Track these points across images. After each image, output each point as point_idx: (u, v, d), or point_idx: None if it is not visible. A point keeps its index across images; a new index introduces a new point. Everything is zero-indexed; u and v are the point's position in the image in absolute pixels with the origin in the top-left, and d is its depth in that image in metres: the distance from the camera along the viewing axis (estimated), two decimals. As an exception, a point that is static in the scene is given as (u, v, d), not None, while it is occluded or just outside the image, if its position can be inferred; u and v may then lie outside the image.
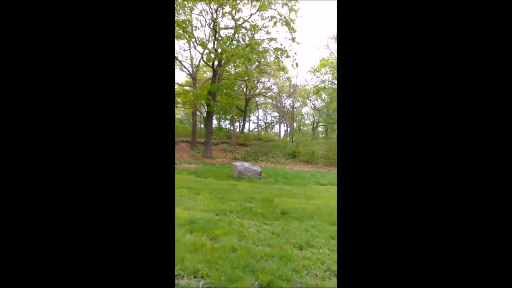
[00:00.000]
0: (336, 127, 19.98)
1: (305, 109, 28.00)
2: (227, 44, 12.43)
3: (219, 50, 13.22)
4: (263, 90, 24.94)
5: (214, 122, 20.96)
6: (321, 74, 19.50)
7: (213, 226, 3.44)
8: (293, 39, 13.15)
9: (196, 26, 13.58)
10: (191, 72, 17.63)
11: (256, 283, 2.13)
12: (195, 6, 12.97)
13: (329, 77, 19.21)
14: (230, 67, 15.94)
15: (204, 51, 14.13)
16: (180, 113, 25.51)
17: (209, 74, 19.79)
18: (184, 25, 12.27)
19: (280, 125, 28.55)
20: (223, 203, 4.99)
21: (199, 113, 21.08)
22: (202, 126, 22.30)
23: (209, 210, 4.40)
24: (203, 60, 15.25)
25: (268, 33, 13.60)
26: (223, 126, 26.25)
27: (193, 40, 14.23)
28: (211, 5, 13.24)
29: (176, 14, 12.63)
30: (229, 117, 23.76)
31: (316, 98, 24.01)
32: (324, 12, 35.21)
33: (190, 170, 10.05)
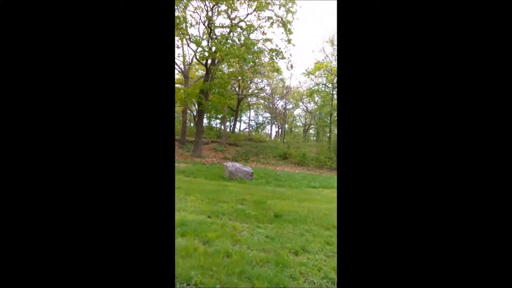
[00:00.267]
0: (327, 130, 20.16)
1: (297, 111, 28.11)
2: (222, 43, 12.27)
3: (213, 49, 13.04)
4: (256, 91, 24.88)
5: (205, 121, 20.73)
6: (315, 77, 19.58)
7: (206, 228, 3.32)
8: (289, 41, 13.11)
9: (190, 23, 13.35)
10: (183, 69, 17.37)
11: (252, 291, 2.03)
12: (190, 3, 12.76)
13: (323, 80, 19.31)
14: (223, 66, 15.78)
15: (197, 49, 13.93)
16: (170, 110, 25.05)
17: (201, 72, 19.56)
18: (178, 21, 12.04)
19: (271, 126, 28.57)
20: (215, 204, 4.87)
21: (189, 111, 20.79)
22: (192, 124, 22.03)
23: (201, 211, 4.27)
24: (196, 58, 15.03)
25: (264, 33, 13.52)
26: (214, 125, 26.05)
27: (187, 37, 14.01)
28: (207, 3, 13.07)
29: (170, 10, 12.37)
30: (220, 117, 23.58)
31: (309, 101, 24.11)
32: (321, 14, 35.47)
33: (179, 169, 9.84)
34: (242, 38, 12.85)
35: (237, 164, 9.22)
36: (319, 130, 24.23)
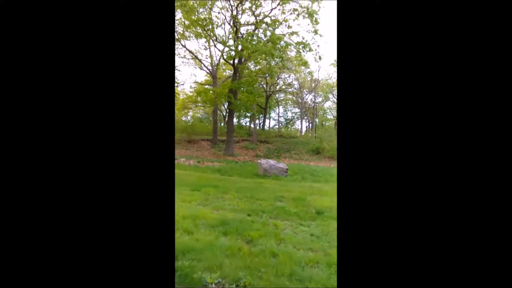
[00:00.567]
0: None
1: (327, 104, 27.15)
2: (248, 41, 12.18)
3: (240, 47, 13.01)
4: (284, 86, 24.52)
5: (234, 120, 20.88)
6: (345, 67, 18.73)
7: (247, 227, 3.24)
8: (315, 32, 12.62)
9: (217, 24, 13.45)
10: (211, 70, 17.63)
11: (306, 295, 1.89)
12: (215, 3, 12.85)
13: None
14: (250, 64, 15.72)
15: (224, 49, 14.01)
16: (199, 112, 25.75)
17: (228, 72, 19.71)
18: (205, 23, 12.18)
19: (301, 121, 27.97)
20: (253, 202, 4.79)
21: (219, 112, 21.11)
22: (222, 124, 22.33)
23: (240, 210, 4.21)
24: (223, 58, 15.15)
25: (289, 27, 13.17)
26: (243, 124, 26.19)
27: (213, 38, 14.15)
28: (231, 1, 13.06)
29: (196, 13, 12.59)
30: (249, 115, 23.64)
31: (339, 93, 23.19)
32: None
33: (214, 168, 9.97)
34: (268, 33, 12.63)
35: (271, 161, 9.10)
36: (352, 122, 23.16)
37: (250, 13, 13.49)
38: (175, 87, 21.63)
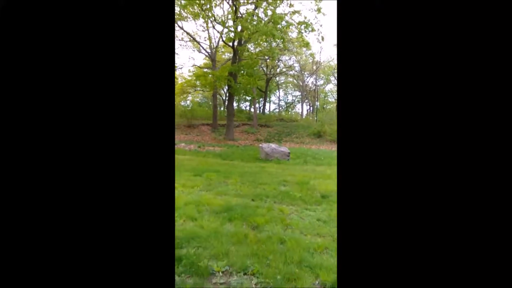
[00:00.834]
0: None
1: (329, 87, 26.68)
2: (248, 21, 11.72)
3: (239, 28, 12.55)
4: (284, 69, 24.02)
5: (234, 104, 20.56)
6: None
7: (252, 213, 3.17)
8: (318, 10, 12.10)
9: (215, 3, 12.92)
10: (210, 53, 17.16)
11: (317, 282, 1.82)
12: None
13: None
14: (250, 46, 15.24)
15: (223, 30, 13.53)
16: (199, 96, 25.39)
17: (228, 55, 19.22)
18: (203, 2, 11.69)
19: (302, 105, 27.60)
20: (256, 187, 4.72)
21: (218, 96, 20.77)
22: (222, 108, 22.06)
23: (243, 195, 4.14)
24: (223, 40, 14.69)
25: (291, 5, 12.67)
26: (243, 108, 25.88)
27: (212, 19, 13.63)
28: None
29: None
30: (249, 99, 23.30)
31: (340, 75, 22.77)
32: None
33: (215, 153, 9.89)
34: (269, 12, 12.13)
35: (273, 145, 8.99)
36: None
37: (249, -10, 12.93)
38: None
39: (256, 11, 12.61)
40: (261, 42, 13.96)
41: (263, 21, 11.87)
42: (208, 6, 12.30)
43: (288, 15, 12.63)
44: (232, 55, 14.75)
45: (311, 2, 12.19)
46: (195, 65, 20.05)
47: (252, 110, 21.92)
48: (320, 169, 7.10)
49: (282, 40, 12.70)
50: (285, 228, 2.76)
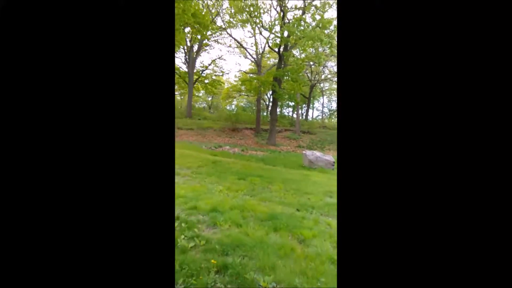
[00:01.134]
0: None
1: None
2: (295, 26, 11.62)
3: (286, 33, 12.50)
4: (329, 76, 23.37)
5: (277, 109, 20.56)
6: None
7: (298, 224, 3.02)
8: (370, 13, 11.55)
9: (263, 10, 13.09)
10: (255, 59, 17.42)
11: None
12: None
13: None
14: (295, 51, 15.10)
15: (269, 36, 13.62)
16: (243, 101, 25.91)
17: (273, 61, 19.31)
18: (252, 9, 11.91)
19: (347, 112, 26.48)
20: (301, 196, 4.55)
21: (261, 101, 20.93)
22: (265, 113, 22.15)
23: (288, 203, 4.00)
24: (269, 46, 14.79)
25: (340, 9, 12.26)
26: (286, 113, 25.70)
27: (259, 25, 13.82)
28: (278, -15, 12.53)
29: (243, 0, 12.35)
30: (292, 104, 23.08)
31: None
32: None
33: (258, 157, 9.89)
34: (317, 17, 11.89)
35: (317, 153, 8.69)
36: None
37: (298, -4, 12.81)
38: (221, 76, 22.00)
39: (304, 16, 12.46)
40: (307, 48, 13.74)
41: (310, 26, 11.66)
42: (257, 13, 12.49)
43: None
44: (277, 60, 14.74)
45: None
46: (241, 71, 20.52)
47: (295, 116, 21.64)
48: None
49: (329, 45, 12.33)
50: (335, 246, 2.55)
